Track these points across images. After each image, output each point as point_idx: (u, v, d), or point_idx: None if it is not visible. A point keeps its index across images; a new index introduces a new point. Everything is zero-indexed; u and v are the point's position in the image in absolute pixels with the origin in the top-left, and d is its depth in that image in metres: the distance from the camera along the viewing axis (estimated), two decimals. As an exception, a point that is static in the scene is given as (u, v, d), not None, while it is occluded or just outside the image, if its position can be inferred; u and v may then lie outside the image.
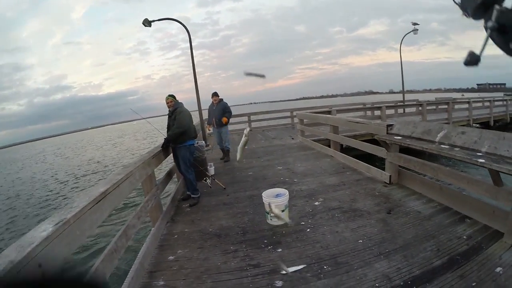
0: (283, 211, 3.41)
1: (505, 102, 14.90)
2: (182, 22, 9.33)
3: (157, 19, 9.14)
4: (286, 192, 3.57)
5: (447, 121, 11.14)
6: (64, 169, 18.83)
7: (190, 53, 9.69)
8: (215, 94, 7.17)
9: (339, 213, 3.62)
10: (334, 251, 2.78)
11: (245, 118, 14.31)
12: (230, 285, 2.44)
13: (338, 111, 9.95)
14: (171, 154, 4.53)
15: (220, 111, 7.05)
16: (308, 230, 3.26)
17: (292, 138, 10.23)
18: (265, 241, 3.10)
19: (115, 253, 2.25)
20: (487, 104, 14.12)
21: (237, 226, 3.55)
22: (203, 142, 6.37)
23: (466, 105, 12.83)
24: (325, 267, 2.54)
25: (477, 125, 12.37)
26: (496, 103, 14.39)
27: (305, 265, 2.57)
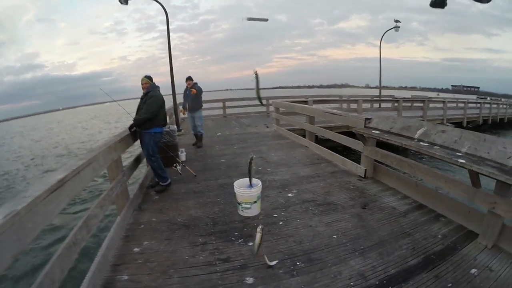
0: (255, 202, 3.28)
1: (478, 105, 15.49)
2: (161, 3, 8.96)
3: (135, -3, 8.65)
4: (259, 182, 3.41)
5: (422, 119, 11.29)
6: (28, 153, 17.31)
7: (167, 35, 9.33)
8: (189, 78, 6.99)
9: (313, 206, 3.52)
10: (307, 247, 2.66)
11: (220, 104, 14.15)
12: (198, 281, 2.26)
13: (315, 102, 9.90)
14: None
15: (194, 96, 6.86)
16: (281, 223, 3.13)
17: (267, 127, 10.12)
18: (236, 233, 2.94)
19: (74, 247, 2.01)
20: (461, 105, 14.59)
21: (207, 216, 3.36)
22: (175, 126, 6.10)
23: (441, 105, 13.15)
24: (298, 263, 2.42)
25: (451, 125, 12.67)
26: (470, 105, 14.89)
27: (277, 261, 2.43)
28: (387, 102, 13.51)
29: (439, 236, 2.80)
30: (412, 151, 3.87)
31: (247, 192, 3.27)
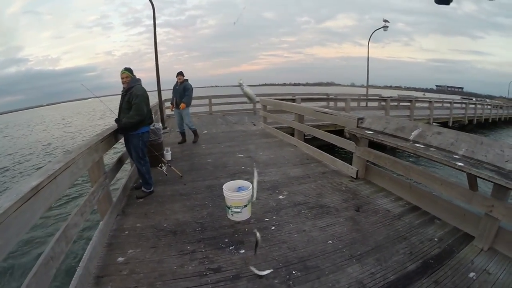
0: (245, 206, 3.13)
1: (464, 105, 15.79)
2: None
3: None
4: (250, 185, 3.25)
5: (409, 118, 11.38)
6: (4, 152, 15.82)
7: (154, 30, 9.10)
8: (180, 74, 6.78)
9: (306, 209, 3.40)
10: (302, 253, 2.53)
11: (206, 101, 13.85)
12: (188, 295, 2.11)
13: (303, 100, 9.85)
14: (123, 138, 3.96)
15: (182, 92, 6.70)
16: (273, 228, 2.99)
17: (254, 124, 9.98)
18: (226, 240, 2.78)
19: (52, 262, 1.80)
20: (446, 105, 14.83)
21: (195, 221, 3.18)
22: (160, 125, 5.88)
23: (427, 104, 13.30)
24: (293, 272, 2.29)
25: (437, 124, 12.83)
26: (455, 105, 15.16)
27: (271, 270, 2.29)
28: (374, 101, 13.59)
29: (435, 239, 2.74)
30: (398, 150, 3.80)
31: (237, 195, 3.12)
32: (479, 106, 17.13)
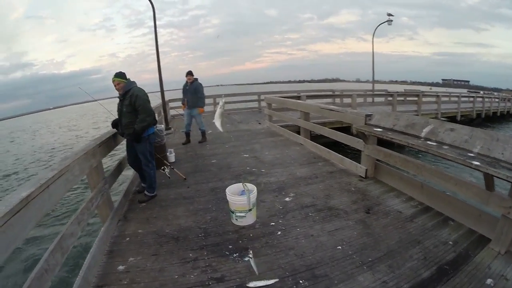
0: (250, 210, 3.00)
1: (471, 99, 15.47)
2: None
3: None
4: (254, 188, 3.13)
5: (417, 113, 11.12)
6: (12, 158, 15.47)
7: (154, 30, 9.00)
8: (189, 73, 6.68)
9: (313, 212, 3.26)
10: (310, 260, 2.40)
11: (211, 100, 13.66)
12: (189, 306, 2.00)
13: (308, 97, 9.67)
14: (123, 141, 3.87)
15: (193, 92, 6.62)
16: (279, 233, 2.86)
17: (259, 123, 9.84)
18: (230, 246, 2.66)
19: (46, 274, 1.72)
20: (454, 99, 14.52)
21: (198, 226, 3.07)
22: (163, 126, 5.77)
23: (434, 99, 13.00)
24: (301, 281, 2.16)
25: (445, 119, 12.56)
26: (463, 99, 14.83)
27: (277, 279, 2.17)
28: (381, 97, 13.36)
29: (450, 242, 2.59)
30: (406, 148, 3.64)
31: (241, 200, 2.99)
32: (487, 100, 16.73)
